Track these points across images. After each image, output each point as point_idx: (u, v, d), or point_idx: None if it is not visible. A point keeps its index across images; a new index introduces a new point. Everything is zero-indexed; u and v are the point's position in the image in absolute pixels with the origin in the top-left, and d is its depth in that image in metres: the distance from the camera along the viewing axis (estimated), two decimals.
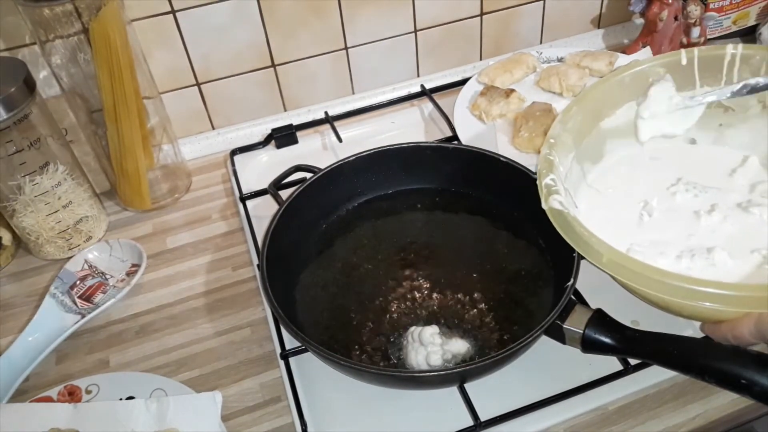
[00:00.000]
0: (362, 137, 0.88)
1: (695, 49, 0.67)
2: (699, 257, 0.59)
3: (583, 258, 0.57)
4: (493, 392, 0.57)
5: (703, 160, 0.69)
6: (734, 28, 0.98)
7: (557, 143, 0.64)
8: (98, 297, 0.71)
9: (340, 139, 0.85)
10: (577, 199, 0.64)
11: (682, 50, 0.67)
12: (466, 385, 0.57)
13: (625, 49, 0.93)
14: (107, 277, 0.74)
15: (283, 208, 0.67)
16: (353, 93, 0.97)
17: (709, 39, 0.96)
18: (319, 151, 0.88)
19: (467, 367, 0.54)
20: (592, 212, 0.62)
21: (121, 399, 0.60)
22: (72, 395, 0.61)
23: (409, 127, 0.90)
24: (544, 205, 0.60)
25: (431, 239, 0.71)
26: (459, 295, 0.64)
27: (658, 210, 0.65)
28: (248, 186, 0.81)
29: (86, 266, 0.74)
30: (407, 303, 0.64)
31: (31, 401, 0.61)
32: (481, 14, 0.95)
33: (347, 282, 0.67)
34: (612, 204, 0.67)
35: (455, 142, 0.82)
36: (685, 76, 0.68)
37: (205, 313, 0.70)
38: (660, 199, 0.66)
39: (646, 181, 0.68)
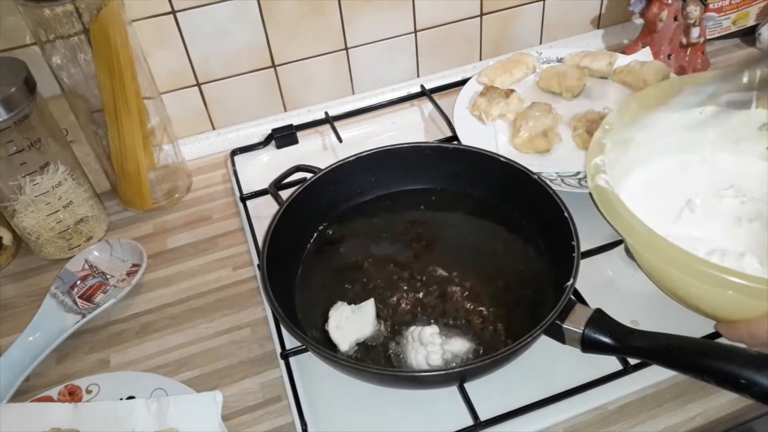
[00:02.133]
0: (362, 137, 0.88)
1: (758, 71, 0.68)
2: (729, 258, 0.60)
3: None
4: (493, 392, 0.57)
5: (755, 174, 0.70)
6: (734, 29, 0.98)
7: (611, 130, 0.66)
8: (99, 297, 0.72)
9: (340, 139, 0.85)
10: (619, 188, 0.65)
11: (745, 70, 0.68)
12: (466, 385, 0.57)
13: (625, 50, 0.93)
14: (108, 277, 0.74)
15: (283, 208, 0.67)
16: (353, 93, 0.97)
17: (709, 39, 0.96)
18: (319, 151, 0.88)
19: (467, 367, 0.54)
20: (633, 201, 0.63)
21: (121, 399, 0.60)
22: (72, 395, 0.61)
23: (409, 127, 0.90)
24: (589, 183, 0.62)
25: (431, 240, 0.70)
26: (459, 295, 0.64)
27: (701, 208, 0.66)
28: (248, 186, 0.81)
29: (87, 266, 0.74)
30: (407, 303, 0.64)
31: (31, 401, 0.61)
32: (481, 14, 0.95)
33: (347, 282, 0.67)
34: (654, 196, 0.68)
35: (455, 142, 0.82)
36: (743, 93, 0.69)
37: (205, 313, 0.70)
38: (705, 198, 0.67)
39: (695, 180, 0.70)
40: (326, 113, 0.90)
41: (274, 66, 0.90)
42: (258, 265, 0.70)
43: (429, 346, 0.58)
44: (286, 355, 0.61)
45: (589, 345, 0.55)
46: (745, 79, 0.68)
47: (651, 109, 0.70)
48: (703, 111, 0.71)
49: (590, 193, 0.62)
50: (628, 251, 0.68)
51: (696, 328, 0.59)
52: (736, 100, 0.69)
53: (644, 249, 0.56)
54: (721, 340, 0.56)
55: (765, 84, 0.68)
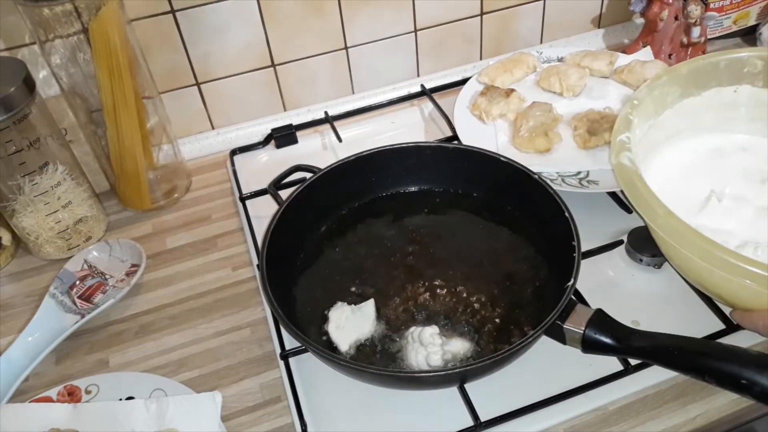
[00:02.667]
0: (362, 137, 0.88)
1: None
2: (763, 250, 0.58)
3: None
4: (493, 392, 0.57)
5: None
6: (734, 28, 0.98)
7: (640, 106, 0.64)
8: (98, 297, 0.71)
9: (340, 139, 0.85)
10: (644, 168, 0.63)
11: None
12: (466, 385, 0.57)
13: (626, 49, 0.93)
14: (107, 277, 0.74)
15: (283, 208, 0.67)
16: (353, 93, 0.97)
17: (710, 39, 0.96)
18: (319, 151, 0.88)
19: (467, 367, 0.54)
20: (658, 183, 0.61)
21: (120, 399, 0.60)
22: (72, 395, 0.61)
23: (409, 127, 0.90)
24: (612, 161, 0.60)
25: (431, 239, 0.70)
26: (459, 295, 0.64)
27: (730, 196, 0.64)
28: (248, 186, 0.81)
29: (86, 266, 0.74)
30: (407, 303, 0.64)
31: (30, 401, 0.61)
32: (481, 14, 0.95)
33: (347, 282, 0.67)
34: (681, 181, 0.66)
35: (455, 142, 0.82)
36: None
37: (204, 313, 0.70)
38: (736, 184, 0.64)
39: (725, 164, 0.67)
40: (326, 113, 0.89)
41: (273, 65, 0.90)
42: (257, 266, 0.70)
43: (429, 346, 0.57)
44: (285, 355, 0.61)
45: (589, 345, 0.55)
46: None
47: (682, 86, 0.67)
48: (738, 89, 0.68)
49: (613, 171, 0.60)
50: (628, 251, 0.68)
51: (697, 328, 0.59)
52: None
53: (663, 231, 0.55)
54: (723, 340, 0.56)
55: None
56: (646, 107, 0.65)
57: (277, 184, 0.74)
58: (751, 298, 0.53)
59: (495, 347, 0.59)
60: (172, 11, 0.81)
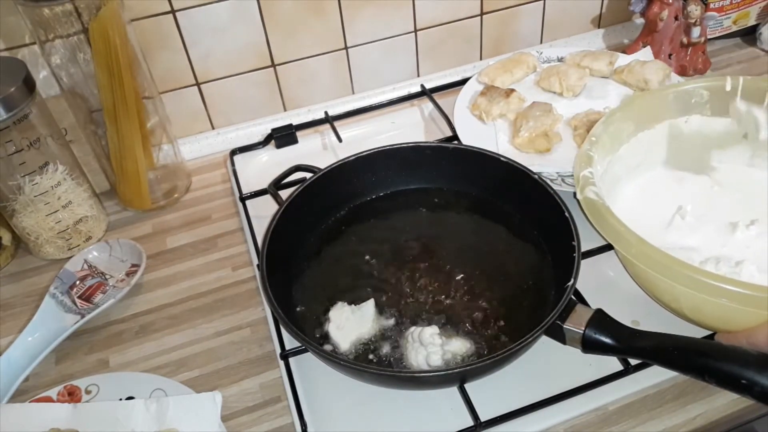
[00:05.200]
0: (362, 137, 0.88)
1: (741, 78, 0.68)
2: (725, 266, 0.59)
3: (611, 248, 0.59)
4: (493, 392, 0.57)
5: (745, 180, 0.70)
6: (734, 28, 0.98)
7: (598, 142, 0.66)
8: (98, 297, 0.71)
9: (340, 139, 0.85)
10: (610, 198, 0.65)
11: (728, 77, 0.69)
12: (466, 385, 0.57)
13: (626, 49, 0.93)
14: (107, 277, 0.74)
15: (283, 208, 0.67)
16: (353, 93, 0.97)
17: (710, 39, 0.96)
18: (319, 151, 0.88)
19: (467, 367, 0.54)
20: (624, 211, 0.62)
21: (120, 399, 0.60)
22: (72, 395, 0.61)
23: (409, 127, 0.90)
24: (579, 196, 0.61)
25: (431, 239, 0.70)
26: (459, 295, 0.64)
27: (692, 215, 0.65)
28: (248, 186, 0.81)
29: (86, 266, 0.74)
30: (407, 303, 0.64)
31: (30, 401, 0.61)
32: (481, 14, 0.95)
33: (347, 282, 0.67)
34: (646, 206, 0.68)
35: (455, 142, 0.82)
36: (726, 102, 0.69)
37: (204, 313, 0.70)
38: (696, 205, 0.66)
39: (686, 188, 0.70)
40: (326, 113, 0.89)
41: (273, 65, 0.90)
42: (257, 266, 0.70)
43: (429, 346, 0.57)
44: (285, 355, 0.61)
45: (589, 345, 0.55)
46: (728, 87, 0.68)
47: (635, 121, 0.70)
48: (689, 120, 0.71)
49: (579, 204, 0.61)
50: None
51: (696, 328, 0.59)
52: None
53: (638, 260, 0.55)
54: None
55: (749, 92, 0.68)
56: (603, 143, 0.67)
57: (277, 184, 0.74)
58: (731, 318, 0.53)
59: (495, 347, 0.59)
60: (172, 11, 0.81)
